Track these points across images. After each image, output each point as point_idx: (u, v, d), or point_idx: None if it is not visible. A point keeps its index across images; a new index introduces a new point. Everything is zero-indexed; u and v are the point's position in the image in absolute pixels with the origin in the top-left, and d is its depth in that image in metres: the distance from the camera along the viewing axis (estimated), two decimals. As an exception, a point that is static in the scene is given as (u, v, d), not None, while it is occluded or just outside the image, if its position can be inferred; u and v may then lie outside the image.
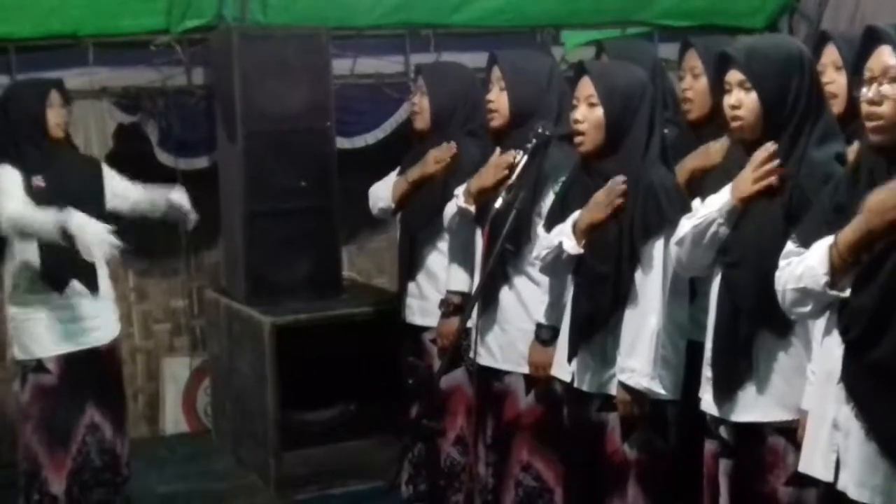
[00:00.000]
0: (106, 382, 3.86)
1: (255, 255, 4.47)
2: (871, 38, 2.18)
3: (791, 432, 2.51)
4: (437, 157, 3.63)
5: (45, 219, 3.53)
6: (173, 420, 5.13)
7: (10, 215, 3.55)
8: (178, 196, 4.00)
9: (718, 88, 2.68)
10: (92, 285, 3.75)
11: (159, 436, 5.10)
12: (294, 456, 4.38)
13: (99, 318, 3.81)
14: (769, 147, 2.52)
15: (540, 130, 3.13)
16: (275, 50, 4.44)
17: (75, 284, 3.73)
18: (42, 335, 3.73)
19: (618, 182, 2.84)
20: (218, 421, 4.91)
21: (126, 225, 4.79)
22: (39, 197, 3.61)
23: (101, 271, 3.83)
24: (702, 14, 5.25)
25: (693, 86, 3.15)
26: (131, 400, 5.10)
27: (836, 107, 2.78)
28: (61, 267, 3.70)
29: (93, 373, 3.80)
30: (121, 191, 3.93)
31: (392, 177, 3.88)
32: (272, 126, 4.44)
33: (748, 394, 2.57)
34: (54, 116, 3.71)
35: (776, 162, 2.50)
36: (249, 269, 4.47)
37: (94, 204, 3.77)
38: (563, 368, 3.05)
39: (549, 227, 3.06)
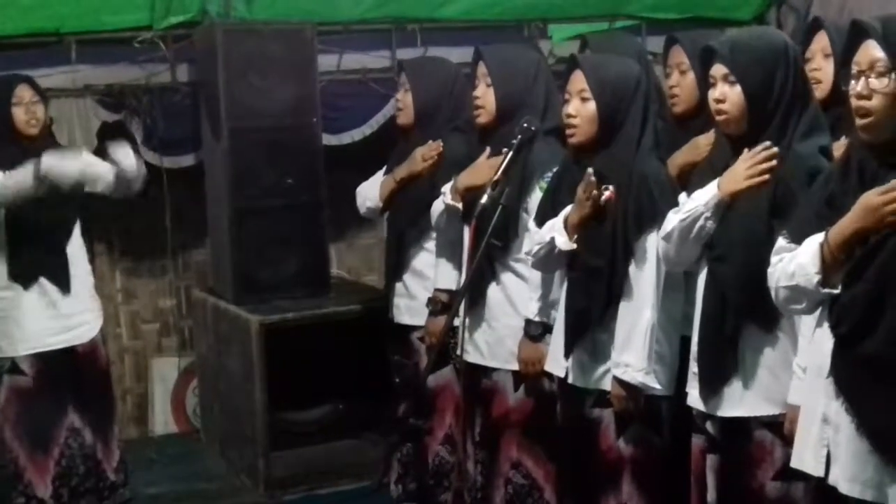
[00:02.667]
0: (86, 384, 3.82)
1: (242, 254, 4.43)
2: (857, 33, 2.17)
3: (778, 426, 2.50)
4: (424, 155, 3.60)
5: (23, 172, 3.49)
6: (162, 421, 5.10)
7: None
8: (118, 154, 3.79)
9: (705, 83, 2.66)
10: (62, 283, 3.70)
11: (148, 437, 5.07)
12: (283, 456, 4.36)
13: (75, 318, 3.77)
14: (768, 147, 2.50)
15: (525, 125, 3.11)
16: (259, 46, 4.40)
17: (45, 282, 3.68)
18: (14, 334, 3.70)
19: (589, 175, 2.81)
20: (206, 421, 4.89)
21: (109, 224, 4.85)
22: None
23: (79, 270, 3.78)
24: (689, 6, 5.23)
25: (680, 82, 3.14)
26: (119, 401, 5.08)
27: (820, 93, 2.79)
28: (29, 263, 3.65)
29: (71, 375, 3.76)
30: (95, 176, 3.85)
31: (379, 175, 3.86)
32: (257, 123, 4.40)
33: (734, 389, 2.57)
34: (23, 114, 3.66)
35: (773, 162, 2.49)
36: (236, 267, 4.44)
37: (71, 198, 3.73)
38: (557, 364, 3.03)
39: (539, 222, 3.04)
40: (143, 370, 5.16)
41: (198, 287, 4.99)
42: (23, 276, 3.67)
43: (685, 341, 2.83)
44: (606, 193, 2.83)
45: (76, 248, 3.79)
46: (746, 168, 2.52)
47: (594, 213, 2.85)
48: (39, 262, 3.67)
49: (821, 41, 2.87)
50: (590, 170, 2.82)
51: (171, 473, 4.55)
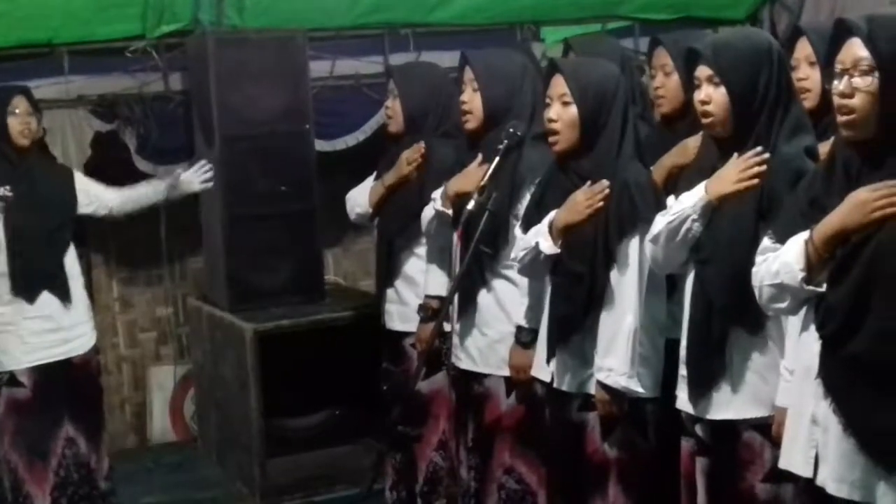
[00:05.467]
0: (80, 395, 3.83)
1: (237, 262, 4.44)
2: (842, 31, 2.16)
3: (766, 428, 2.50)
4: (408, 159, 3.60)
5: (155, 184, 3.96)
6: (160, 429, 5.10)
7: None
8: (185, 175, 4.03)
9: (690, 84, 2.66)
10: (64, 296, 3.72)
11: (146, 446, 5.08)
12: (279, 463, 4.36)
13: (73, 330, 3.78)
14: (760, 152, 2.49)
15: (511, 130, 3.10)
16: (251, 53, 4.41)
17: (46, 295, 3.70)
18: (13, 347, 3.70)
19: (603, 185, 2.81)
20: (203, 429, 4.89)
21: (106, 234, 4.85)
22: (7, 206, 3.60)
23: (75, 282, 3.79)
24: (682, 6, 5.23)
25: (665, 83, 3.14)
26: (118, 410, 5.10)
27: (810, 102, 2.77)
28: (32, 277, 3.67)
29: (67, 385, 3.77)
30: (95, 196, 3.89)
31: (369, 182, 3.85)
32: (250, 130, 4.41)
33: (723, 392, 2.56)
34: (18, 124, 3.67)
35: (764, 167, 2.48)
36: (231, 275, 4.45)
37: (65, 211, 3.74)
38: (542, 369, 3.04)
39: (525, 227, 3.04)
40: (141, 379, 5.17)
41: (194, 295, 4.99)
42: (27, 291, 3.68)
43: (671, 344, 2.82)
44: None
45: (71, 261, 3.80)
46: (738, 171, 2.51)
47: (586, 220, 2.84)
48: (42, 276, 3.69)
49: (803, 49, 2.84)
50: (604, 182, 2.81)
51: (168, 482, 4.56)
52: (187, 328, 5.08)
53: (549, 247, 2.89)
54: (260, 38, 4.47)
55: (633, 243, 2.80)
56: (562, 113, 2.88)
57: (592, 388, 2.87)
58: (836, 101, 2.14)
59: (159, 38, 4.63)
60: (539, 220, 2.97)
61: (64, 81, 4.56)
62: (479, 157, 3.29)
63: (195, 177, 4.00)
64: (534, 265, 2.98)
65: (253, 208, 4.43)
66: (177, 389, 5.08)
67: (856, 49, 2.11)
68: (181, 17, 4.62)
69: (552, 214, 2.92)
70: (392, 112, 3.70)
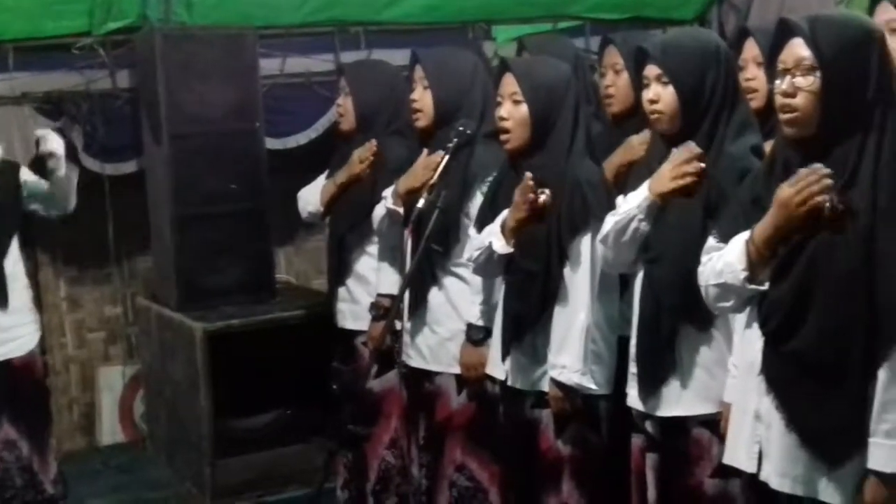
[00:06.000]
0: (22, 397, 3.75)
1: (186, 261, 4.40)
2: (784, 31, 2.19)
3: (715, 425, 2.53)
4: (360, 157, 3.59)
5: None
6: (110, 430, 5.04)
7: None
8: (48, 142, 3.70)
9: (639, 83, 2.67)
10: (1, 298, 3.66)
11: (95, 447, 5.01)
12: (230, 463, 4.32)
13: (10, 332, 3.71)
14: (692, 149, 2.51)
15: (461, 129, 3.11)
16: (200, 51, 4.37)
17: None
18: None
19: (527, 179, 2.82)
20: (152, 430, 4.84)
21: (53, 234, 4.78)
22: None
23: (17, 284, 3.73)
24: (632, 6, 5.27)
25: (615, 82, 3.15)
26: (66, 410, 5.03)
27: (757, 101, 2.79)
28: None
29: (6, 387, 3.70)
30: (32, 189, 3.80)
31: (321, 180, 3.84)
32: (199, 128, 4.37)
33: (672, 388, 2.59)
34: None
35: (700, 165, 2.50)
36: (180, 274, 4.40)
37: (10, 207, 3.67)
38: (497, 367, 3.04)
39: (479, 227, 3.05)
40: (90, 380, 5.10)
41: (143, 294, 4.94)
42: None
43: (623, 342, 2.84)
44: (543, 197, 2.83)
45: (13, 262, 3.73)
46: (672, 169, 2.54)
47: (531, 217, 2.85)
48: None
49: (751, 50, 2.86)
50: (528, 174, 2.83)
51: (117, 484, 4.51)
52: (136, 328, 5.02)
53: (501, 246, 2.90)
54: (208, 36, 4.43)
55: (586, 241, 2.82)
56: (513, 111, 2.89)
57: (546, 386, 2.88)
58: (779, 100, 2.17)
59: (106, 34, 4.56)
60: (493, 220, 2.98)
61: (9, 78, 4.49)
62: (425, 151, 3.29)
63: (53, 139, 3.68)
64: (488, 265, 2.99)
65: (202, 207, 4.39)
66: (126, 390, 5.02)
67: (798, 49, 2.14)
68: (128, 14, 4.56)
69: (504, 213, 2.93)
70: (343, 110, 3.69)
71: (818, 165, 2.08)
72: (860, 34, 2.14)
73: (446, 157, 3.09)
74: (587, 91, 3.38)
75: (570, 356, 2.81)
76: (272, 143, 4.77)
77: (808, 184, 2.08)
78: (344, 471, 3.76)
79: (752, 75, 2.84)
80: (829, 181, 2.07)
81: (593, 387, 2.83)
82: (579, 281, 2.83)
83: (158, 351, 4.60)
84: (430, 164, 3.21)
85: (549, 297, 2.86)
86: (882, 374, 2.05)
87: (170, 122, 4.33)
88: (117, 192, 4.72)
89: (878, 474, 2.07)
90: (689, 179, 2.51)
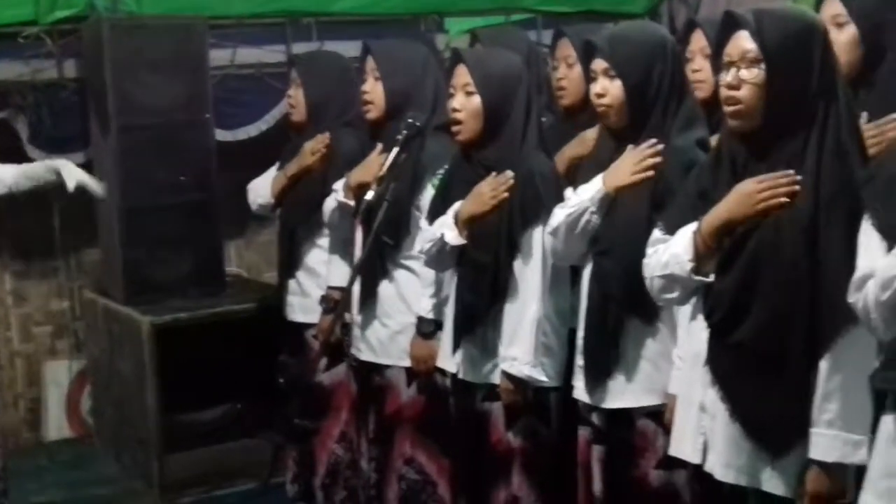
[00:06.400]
0: None
1: (134, 254, 4.33)
2: (730, 24, 2.21)
3: (660, 416, 2.55)
4: (312, 149, 3.57)
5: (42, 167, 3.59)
6: (56, 426, 4.96)
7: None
8: (70, 168, 3.68)
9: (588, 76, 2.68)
10: None
11: (41, 442, 4.93)
12: (179, 458, 4.28)
13: None
14: (655, 144, 2.53)
15: (411, 121, 3.09)
16: (148, 41, 4.30)
17: None
18: None
19: (508, 177, 2.82)
20: (100, 425, 4.78)
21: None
22: None
23: None
24: (584, 0, 5.27)
25: (567, 74, 3.15)
26: (12, 406, 4.94)
27: (703, 92, 2.81)
28: None
29: None
30: None
31: (271, 172, 3.82)
32: (147, 119, 4.31)
33: (618, 380, 2.60)
34: None
35: (659, 159, 2.52)
36: (128, 267, 4.34)
37: None
38: (448, 360, 3.04)
39: (431, 219, 3.04)
40: (36, 374, 5.01)
41: (90, 288, 4.87)
42: None
43: (573, 334, 2.84)
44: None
45: None
46: (633, 163, 2.55)
47: (491, 211, 2.85)
48: None
49: (699, 41, 2.88)
50: (509, 172, 2.81)
51: (63, 480, 4.44)
52: (83, 322, 4.95)
53: (453, 238, 2.90)
54: (157, 25, 4.37)
55: (537, 233, 2.81)
56: (465, 103, 2.88)
57: (496, 379, 2.88)
58: (724, 92, 2.19)
59: (53, 23, 4.47)
60: (444, 211, 2.97)
61: (-48, 68, 4.42)
62: (379, 146, 3.28)
63: (88, 178, 3.70)
64: (440, 257, 2.98)
65: (150, 199, 4.33)
66: (73, 385, 4.95)
67: (743, 41, 2.16)
68: (76, 3, 4.49)
69: (457, 205, 2.92)
70: (294, 101, 3.67)
71: (791, 171, 2.10)
72: (804, 28, 2.16)
73: (395, 150, 3.08)
74: (540, 83, 3.38)
75: (520, 348, 2.81)
76: (223, 135, 4.72)
77: (776, 185, 2.10)
78: (293, 464, 3.74)
79: (699, 66, 2.86)
80: (797, 188, 2.09)
81: (544, 379, 2.83)
82: (530, 273, 2.83)
83: (106, 345, 4.54)
84: (383, 159, 3.20)
85: (500, 289, 2.86)
86: (823, 365, 2.08)
87: (118, 113, 4.26)
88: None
89: (819, 464, 2.09)
90: (650, 173, 2.52)
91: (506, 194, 2.82)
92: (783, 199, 2.10)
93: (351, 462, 3.54)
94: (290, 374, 3.63)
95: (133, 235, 4.34)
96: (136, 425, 4.28)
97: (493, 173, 2.84)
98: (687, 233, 2.24)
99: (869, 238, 1.89)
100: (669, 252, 2.26)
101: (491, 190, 2.84)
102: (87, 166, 4.62)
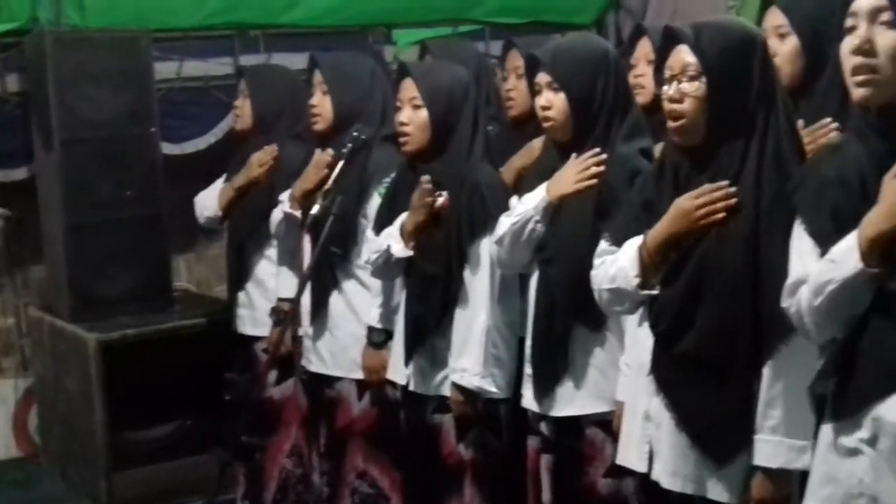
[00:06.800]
0: None
1: (79, 270, 4.27)
2: (670, 38, 2.24)
3: (608, 424, 2.56)
4: (259, 160, 3.57)
5: None
6: (3, 445, 4.86)
7: None
8: None
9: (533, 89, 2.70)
10: None
11: (-13, 462, 4.85)
12: (127, 476, 4.21)
13: None
14: (597, 153, 2.55)
15: (356, 134, 3.10)
16: (92, 54, 4.25)
17: None
18: None
19: (424, 182, 2.82)
20: (47, 444, 4.69)
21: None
22: None
23: None
24: (530, 11, 5.30)
25: (517, 85, 3.17)
26: (-44, 426, 4.86)
27: (643, 98, 2.87)
28: None
29: None
30: None
31: (218, 184, 3.80)
32: (91, 133, 4.25)
33: (566, 388, 2.61)
34: None
35: (601, 168, 2.53)
36: (73, 284, 4.28)
37: None
38: (398, 372, 3.03)
39: (378, 229, 3.04)
40: (-19, 393, 4.94)
41: (36, 305, 4.79)
42: None
43: (524, 343, 2.86)
44: (440, 200, 2.84)
45: None
46: (576, 172, 2.57)
47: (429, 220, 2.85)
48: None
49: (644, 48, 2.95)
50: (425, 177, 2.83)
51: (10, 499, 4.35)
52: (29, 339, 4.87)
53: (400, 249, 2.90)
54: (101, 38, 4.31)
55: (485, 243, 2.82)
56: (412, 116, 2.89)
57: (447, 391, 2.89)
58: (666, 105, 2.21)
59: (-5, 36, 4.43)
60: (391, 222, 2.98)
61: None
62: (317, 152, 3.27)
63: None
64: (386, 268, 2.99)
65: (95, 214, 4.27)
66: (19, 403, 4.85)
67: (683, 55, 2.18)
68: (18, 16, 4.42)
69: (403, 217, 2.93)
70: (241, 111, 3.67)
71: (724, 183, 2.12)
72: (743, 40, 2.19)
73: (340, 163, 3.08)
74: (489, 94, 3.40)
75: (470, 359, 2.82)
76: (170, 149, 4.67)
77: (711, 200, 2.12)
78: (244, 480, 3.71)
79: (642, 72, 2.93)
80: (733, 200, 2.11)
81: (494, 390, 2.84)
82: (479, 284, 2.84)
83: (52, 363, 4.47)
84: (320, 164, 3.22)
85: (450, 300, 2.87)
86: (766, 372, 2.10)
87: (61, 128, 4.20)
88: (8, 199, 4.56)
89: (764, 470, 2.12)
90: (592, 182, 2.53)
91: (442, 199, 2.81)
92: (721, 215, 2.12)
93: (302, 476, 3.52)
94: (236, 390, 3.59)
95: (78, 251, 4.27)
96: (84, 443, 4.21)
97: (427, 183, 2.83)
98: (632, 247, 2.25)
99: (801, 243, 1.91)
100: (616, 266, 2.28)
101: (418, 199, 2.83)
102: (31, 181, 4.60)
